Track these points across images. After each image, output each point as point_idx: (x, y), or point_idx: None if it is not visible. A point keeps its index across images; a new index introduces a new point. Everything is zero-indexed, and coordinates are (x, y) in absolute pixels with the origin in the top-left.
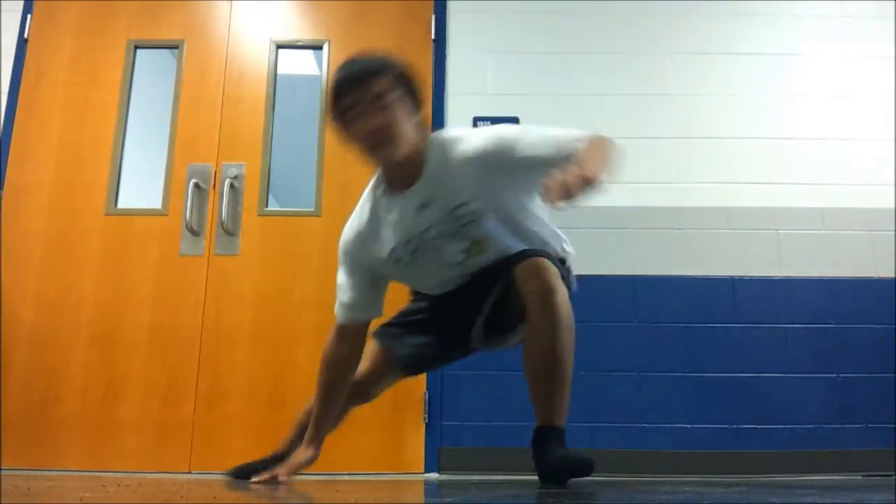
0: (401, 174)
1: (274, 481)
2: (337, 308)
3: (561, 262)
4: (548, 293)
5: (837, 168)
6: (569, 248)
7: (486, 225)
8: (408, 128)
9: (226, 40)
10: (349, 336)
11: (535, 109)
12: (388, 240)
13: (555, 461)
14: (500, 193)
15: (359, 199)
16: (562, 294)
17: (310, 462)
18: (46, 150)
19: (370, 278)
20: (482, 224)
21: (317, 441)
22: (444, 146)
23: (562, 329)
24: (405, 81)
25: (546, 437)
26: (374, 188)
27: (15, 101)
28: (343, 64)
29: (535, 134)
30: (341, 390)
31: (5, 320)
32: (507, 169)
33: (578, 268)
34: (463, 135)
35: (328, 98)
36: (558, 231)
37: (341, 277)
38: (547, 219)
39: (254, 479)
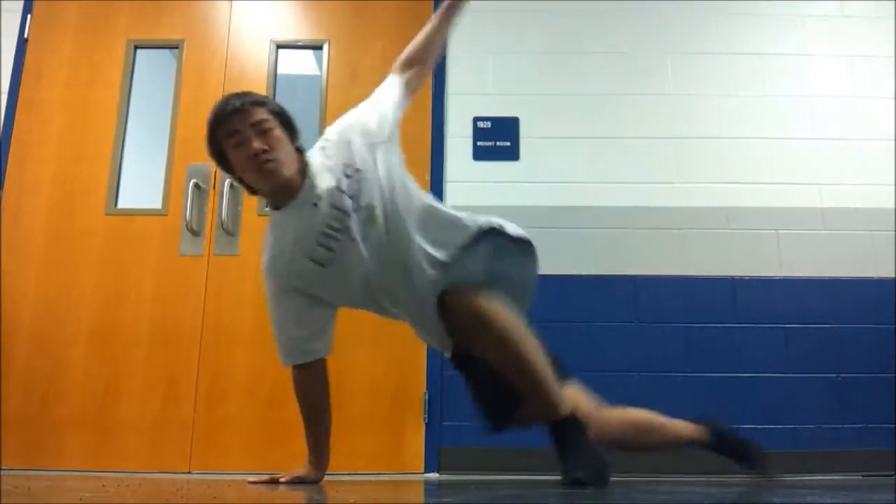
0: (286, 193)
1: (274, 483)
2: (278, 351)
3: (496, 235)
4: (479, 319)
5: (837, 168)
6: (496, 221)
7: (372, 192)
8: (288, 151)
9: (226, 40)
10: (305, 371)
11: (535, 109)
12: (300, 245)
13: (572, 482)
14: (378, 165)
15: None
16: (492, 309)
17: (312, 482)
18: (46, 150)
19: (303, 301)
20: (367, 190)
21: (317, 463)
22: (315, 154)
23: (510, 340)
24: (280, 114)
25: (562, 435)
26: (271, 217)
27: (15, 101)
28: (220, 100)
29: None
30: (322, 411)
31: (5, 320)
32: (371, 130)
33: (579, 268)
34: (322, 139)
35: (209, 131)
36: (474, 216)
37: (274, 315)
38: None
39: (252, 480)
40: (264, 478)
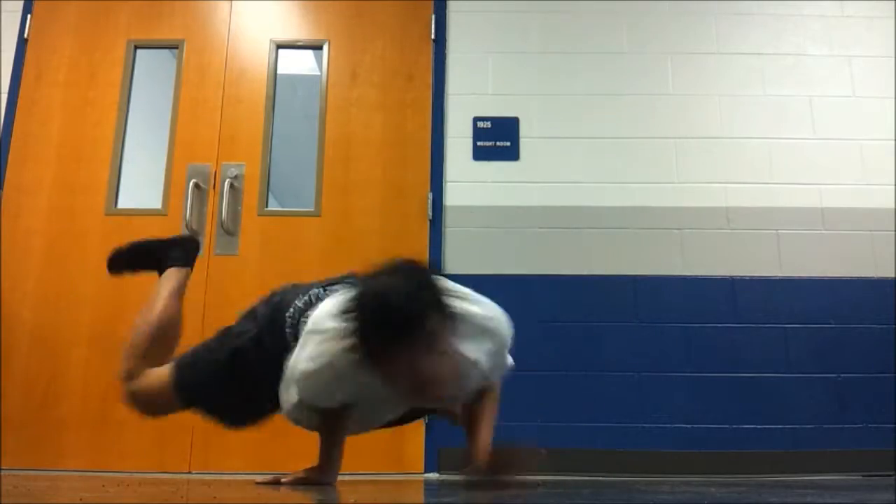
0: None
1: (276, 483)
2: None
3: None
4: None
5: (837, 168)
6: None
7: None
8: None
9: (226, 40)
10: None
11: (534, 109)
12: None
13: None
14: None
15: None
16: None
17: (316, 483)
18: (46, 150)
19: None
20: None
21: (325, 467)
22: None
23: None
24: None
25: None
26: None
27: (15, 101)
28: None
29: None
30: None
31: (5, 320)
32: None
33: (579, 268)
34: None
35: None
36: None
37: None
38: None
39: (259, 480)
40: (269, 478)
